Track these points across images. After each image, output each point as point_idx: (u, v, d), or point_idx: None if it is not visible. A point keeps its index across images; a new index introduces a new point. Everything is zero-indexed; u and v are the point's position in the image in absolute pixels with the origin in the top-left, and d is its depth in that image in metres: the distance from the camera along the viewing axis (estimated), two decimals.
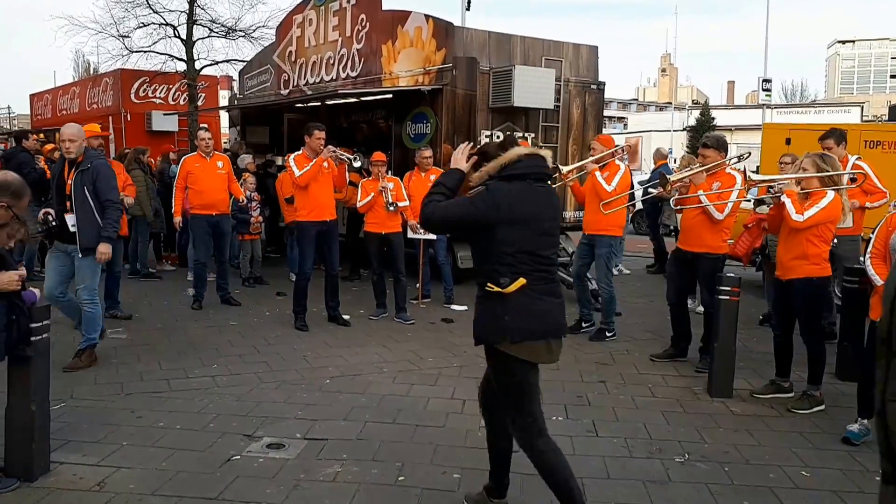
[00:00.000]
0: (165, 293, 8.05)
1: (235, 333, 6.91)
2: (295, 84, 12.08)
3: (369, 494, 3.71)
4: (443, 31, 9.24)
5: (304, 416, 4.75)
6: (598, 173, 6.76)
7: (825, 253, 4.98)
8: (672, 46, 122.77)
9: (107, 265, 7.24)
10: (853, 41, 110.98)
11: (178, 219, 8.03)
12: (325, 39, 11.38)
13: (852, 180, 5.32)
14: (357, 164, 7.00)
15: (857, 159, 6.41)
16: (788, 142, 8.93)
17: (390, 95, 10.10)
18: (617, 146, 7.64)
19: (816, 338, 5.16)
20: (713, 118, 38.00)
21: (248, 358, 6.09)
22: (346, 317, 7.41)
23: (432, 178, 8.24)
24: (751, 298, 8.20)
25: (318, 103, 11.54)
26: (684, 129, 38.63)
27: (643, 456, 4.25)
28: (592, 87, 10.13)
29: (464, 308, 8.10)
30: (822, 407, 5.06)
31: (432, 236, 8.12)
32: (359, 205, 7.70)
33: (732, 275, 5.49)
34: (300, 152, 7.10)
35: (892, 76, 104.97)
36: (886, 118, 44.03)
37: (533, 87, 9.01)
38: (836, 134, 6.42)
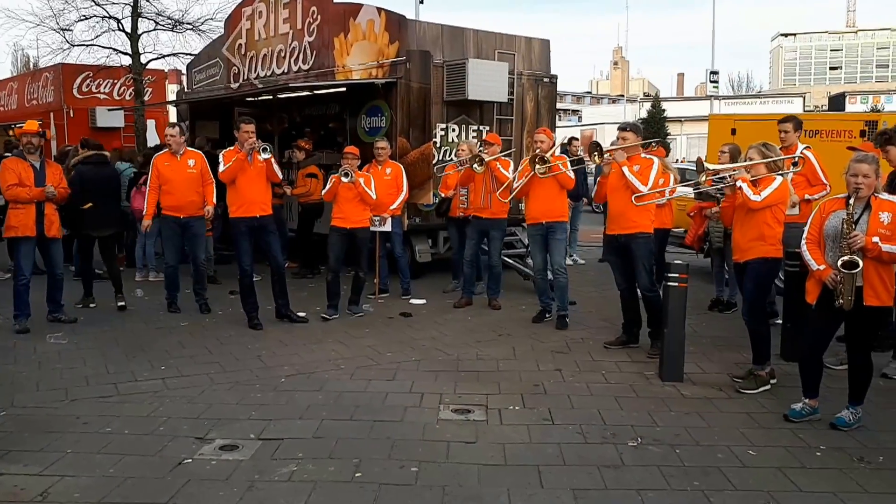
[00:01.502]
0: (111, 294, 7.82)
1: (186, 334, 6.78)
2: (245, 77, 11.85)
3: (326, 492, 3.68)
4: (396, 24, 9.19)
5: (259, 417, 4.68)
6: (560, 162, 6.88)
7: (779, 234, 5.15)
8: (624, 40, 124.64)
9: (47, 268, 7.04)
10: (795, 34, 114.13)
11: (147, 222, 7.59)
12: (275, 32, 11.17)
13: (794, 164, 5.48)
14: (266, 156, 6.85)
15: (805, 148, 6.59)
16: (734, 132, 9.12)
17: (344, 89, 10.01)
18: (571, 136, 7.79)
19: (760, 318, 5.31)
20: (664, 110, 38.68)
21: (200, 359, 5.98)
22: (301, 314, 7.33)
23: (388, 171, 8.30)
24: (699, 284, 8.38)
25: (270, 97, 11.37)
26: (636, 121, 39.24)
27: (598, 441, 4.32)
28: (545, 80, 10.20)
29: (422, 301, 8.10)
30: (769, 386, 5.21)
31: (388, 229, 8.10)
32: (324, 192, 7.63)
33: (680, 262, 5.61)
34: (231, 147, 7.00)
35: (831, 68, 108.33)
36: (827, 108, 45.58)
37: (487, 81, 9.03)
38: (795, 120, 6.71)
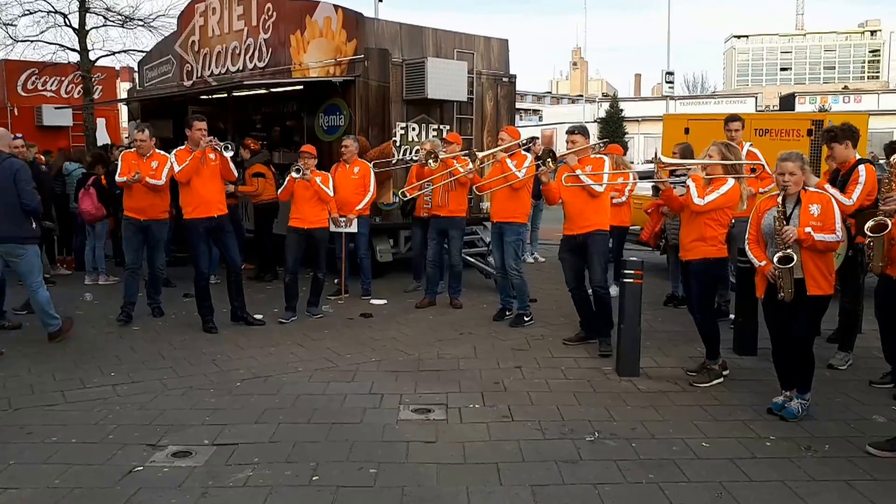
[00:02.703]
0: (61, 299, 7.57)
1: (138, 339, 6.61)
2: (199, 75, 11.62)
3: (282, 497, 3.62)
4: (353, 21, 9.10)
5: (213, 422, 4.58)
6: (508, 160, 6.89)
7: (722, 236, 5.22)
8: (582, 41, 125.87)
9: None
10: (748, 36, 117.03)
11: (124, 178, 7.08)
12: (229, 29, 10.98)
13: (752, 171, 5.59)
14: (228, 154, 6.75)
15: (750, 146, 6.73)
16: (687, 131, 9.30)
17: (301, 87, 9.90)
18: (526, 137, 7.83)
19: (707, 315, 5.39)
20: (622, 110, 39.19)
21: (152, 364, 5.83)
22: (258, 316, 7.22)
23: (356, 170, 8.23)
24: (654, 280, 8.49)
25: (225, 94, 11.18)
26: (595, 121, 39.66)
27: (556, 437, 4.34)
28: (504, 79, 10.24)
29: (383, 302, 8.05)
30: (721, 379, 5.31)
31: (354, 230, 8.03)
32: (279, 191, 7.52)
33: (635, 258, 5.68)
34: (183, 147, 6.85)
35: (782, 69, 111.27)
36: (778, 108, 46.72)
37: (446, 80, 9.01)
38: (742, 121, 6.91)
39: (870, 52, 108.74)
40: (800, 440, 4.28)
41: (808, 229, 4.26)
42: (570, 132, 6.29)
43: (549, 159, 6.24)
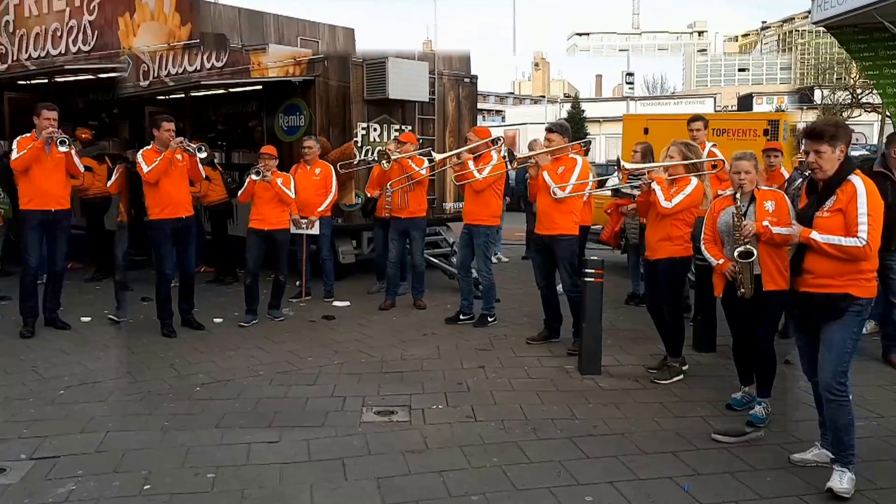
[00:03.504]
0: None
1: (93, 343, 6.44)
2: (15, 58, 10.79)
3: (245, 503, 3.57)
4: (187, 4, 8.76)
5: (31, 434, 4.30)
6: (470, 161, 6.87)
7: (687, 235, 5.32)
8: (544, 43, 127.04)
9: None
10: (704, 34, 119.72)
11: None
12: (49, 9, 10.29)
13: (713, 167, 5.68)
14: (202, 155, 6.64)
15: (712, 146, 6.84)
16: (646, 131, 9.42)
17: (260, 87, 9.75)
18: (494, 137, 7.82)
19: (677, 314, 5.49)
20: (583, 110, 39.60)
21: (109, 372, 5.65)
22: (217, 319, 7.11)
23: (317, 171, 8.14)
24: (616, 279, 8.59)
25: (45, 79, 10.51)
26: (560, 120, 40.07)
27: (519, 436, 4.35)
28: (466, 80, 10.26)
29: (345, 304, 7.99)
30: (682, 376, 5.39)
31: (316, 231, 7.96)
32: (239, 193, 7.41)
33: (596, 257, 5.73)
34: (150, 146, 6.71)
35: (740, 70, 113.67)
36: (736, 108, 47.76)
37: (407, 80, 8.99)
38: (704, 120, 6.96)
39: (698, 51, 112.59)
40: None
41: (765, 223, 4.36)
42: (548, 129, 6.32)
43: (514, 160, 6.29)
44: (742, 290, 4.41)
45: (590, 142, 8.09)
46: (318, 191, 8.06)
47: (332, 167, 8.24)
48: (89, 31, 9.73)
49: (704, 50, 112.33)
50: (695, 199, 5.21)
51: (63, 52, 10.06)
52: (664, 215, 5.20)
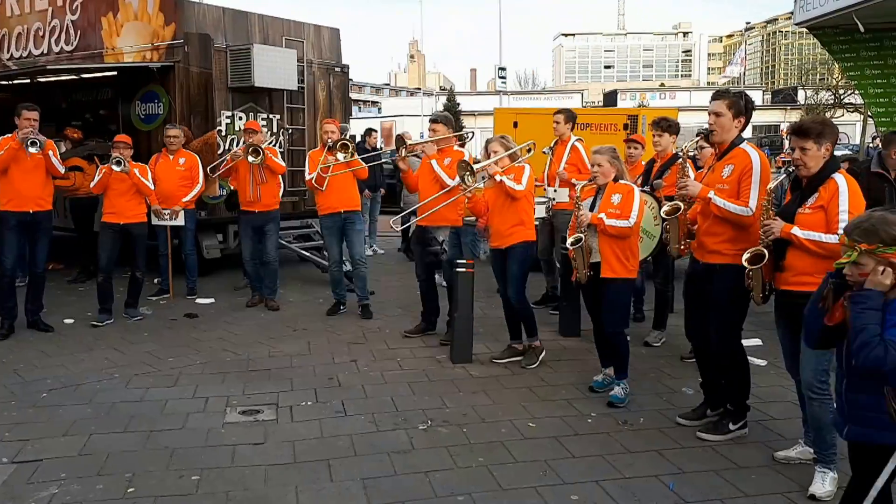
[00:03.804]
0: None
1: None
2: None
3: None
4: (171, 4, 8.56)
5: (13, 438, 4.15)
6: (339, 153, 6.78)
7: (533, 219, 5.53)
8: (419, 33, 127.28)
9: None
10: (574, 34, 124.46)
11: None
12: (31, 8, 9.95)
13: (528, 150, 5.88)
14: (32, 150, 6.16)
15: (577, 141, 7.07)
16: (516, 125, 9.62)
17: (115, 73, 9.16)
18: (368, 128, 7.73)
19: (523, 294, 5.58)
20: (458, 104, 40.13)
21: None
22: (68, 320, 6.60)
23: (181, 161, 7.69)
24: (487, 269, 8.74)
25: (28, 80, 10.08)
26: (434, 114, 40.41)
27: (389, 428, 4.34)
28: (337, 69, 10.07)
29: (210, 301, 7.65)
30: (544, 353, 5.58)
31: (180, 222, 7.54)
32: (91, 185, 6.90)
33: None
34: (11, 134, 6.19)
35: (605, 67, 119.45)
36: (602, 104, 50.14)
37: (274, 67, 8.70)
38: (567, 113, 7.19)
39: (683, 52, 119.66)
40: (618, 415, 4.57)
41: (601, 215, 4.59)
42: (433, 120, 6.33)
43: (402, 147, 6.22)
44: (577, 275, 4.65)
45: (471, 134, 8.13)
46: (183, 181, 7.66)
47: (197, 158, 7.84)
48: (72, 31, 9.54)
49: (689, 50, 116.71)
50: (532, 182, 5.50)
51: (45, 52, 9.76)
52: (512, 201, 5.34)
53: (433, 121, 6.31)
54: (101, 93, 9.80)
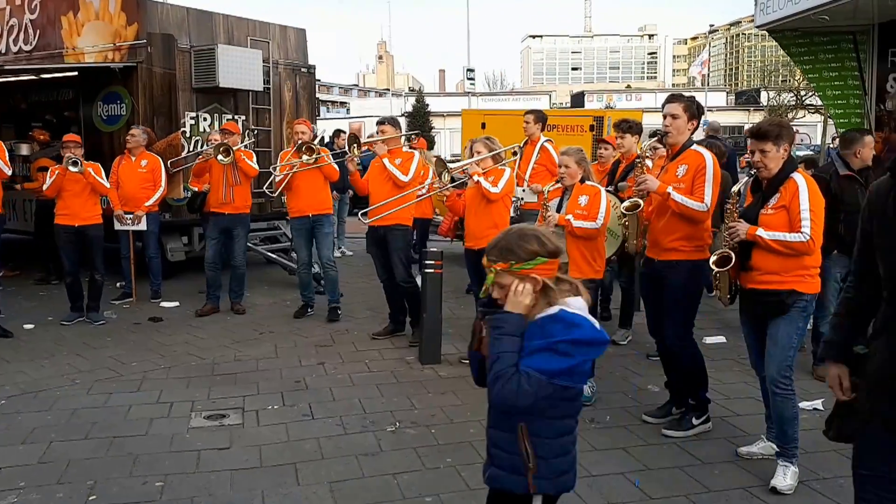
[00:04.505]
0: None
1: None
2: None
3: None
4: (133, 4, 8.41)
5: None
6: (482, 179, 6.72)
7: (508, 221, 5.54)
8: (388, 34, 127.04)
9: None
10: (542, 36, 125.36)
11: None
12: None
13: (514, 153, 5.93)
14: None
15: (546, 142, 7.11)
16: (484, 126, 9.68)
17: (76, 73, 8.98)
18: (333, 130, 7.69)
19: None
20: (427, 105, 40.19)
21: None
22: (28, 326, 6.45)
23: (143, 163, 7.57)
24: (458, 269, 8.77)
25: None
26: (403, 115, 40.34)
27: (357, 431, 4.32)
28: (303, 69, 10.00)
29: (174, 304, 7.54)
30: None
31: (143, 227, 7.42)
32: (44, 187, 6.74)
33: (435, 249, 5.81)
34: None
35: (573, 68, 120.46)
36: (570, 105, 50.60)
37: (239, 68, 8.62)
38: (537, 113, 7.23)
39: (648, 54, 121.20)
40: (584, 413, 4.58)
41: (569, 216, 4.64)
42: (380, 122, 6.33)
43: (355, 145, 6.23)
44: None
45: (418, 134, 8.17)
46: (145, 184, 7.54)
47: (160, 160, 7.72)
48: (31, 31, 9.34)
49: (654, 53, 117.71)
50: (512, 184, 5.54)
51: (3, 51, 9.60)
52: (488, 203, 5.39)
53: (381, 123, 6.32)
54: (62, 93, 9.61)
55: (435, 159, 6.17)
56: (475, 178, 5.38)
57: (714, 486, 3.68)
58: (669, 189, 4.10)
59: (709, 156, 4.17)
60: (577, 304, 2.13)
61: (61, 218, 6.61)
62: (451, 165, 5.85)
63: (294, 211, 7.00)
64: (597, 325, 2.11)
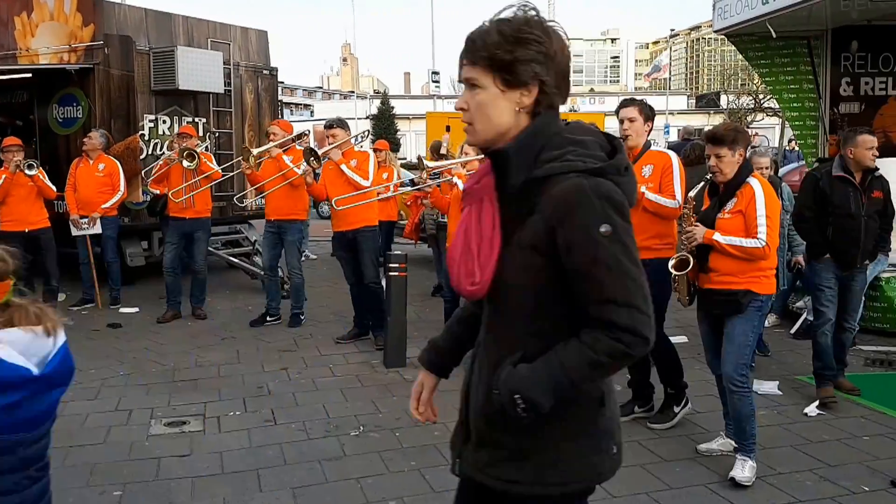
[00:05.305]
0: None
1: None
2: None
3: None
4: (90, 5, 8.27)
5: None
6: (284, 156, 6.60)
7: None
8: (352, 36, 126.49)
9: None
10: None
11: None
12: None
13: None
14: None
15: None
16: (448, 128, 9.72)
17: (30, 75, 8.78)
18: (302, 131, 7.63)
19: None
20: (392, 107, 40.09)
21: None
22: None
23: (101, 166, 7.41)
24: (422, 272, 8.78)
25: None
26: (367, 118, 40.21)
27: (320, 436, 4.29)
28: (265, 71, 9.91)
29: (134, 310, 7.40)
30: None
31: (98, 230, 7.27)
32: None
33: (399, 252, 5.80)
34: None
35: None
36: None
37: (199, 70, 8.51)
38: None
39: (611, 58, 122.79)
40: None
41: None
42: (328, 126, 6.26)
43: (312, 158, 6.15)
44: None
45: (367, 132, 8.15)
46: (102, 188, 7.39)
47: (118, 164, 7.57)
48: None
49: (617, 56, 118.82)
50: None
51: None
52: None
53: (329, 126, 6.24)
54: (16, 95, 9.37)
55: (418, 157, 6.13)
56: (455, 180, 5.36)
57: (675, 484, 3.72)
58: (643, 188, 4.15)
59: (673, 155, 4.34)
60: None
61: (8, 224, 6.42)
62: (430, 165, 5.84)
63: (266, 213, 6.92)
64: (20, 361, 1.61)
